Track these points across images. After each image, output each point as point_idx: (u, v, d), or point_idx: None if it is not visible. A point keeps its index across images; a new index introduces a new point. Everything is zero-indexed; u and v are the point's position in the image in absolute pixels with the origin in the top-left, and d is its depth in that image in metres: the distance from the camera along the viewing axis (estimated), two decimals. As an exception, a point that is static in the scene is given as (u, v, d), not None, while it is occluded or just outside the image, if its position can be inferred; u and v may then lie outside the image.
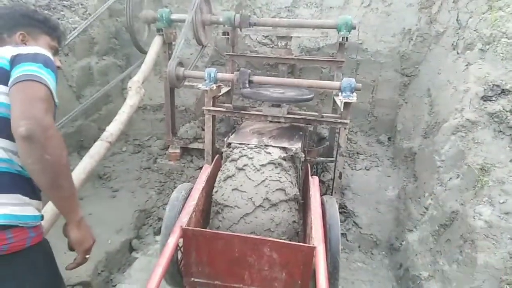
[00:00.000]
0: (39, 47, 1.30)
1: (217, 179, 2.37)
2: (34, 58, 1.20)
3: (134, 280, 2.69)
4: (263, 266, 1.87)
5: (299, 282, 1.87)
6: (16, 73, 1.15)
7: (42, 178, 1.15)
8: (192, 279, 1.98)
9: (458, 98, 2.91)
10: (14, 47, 1.26)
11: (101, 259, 2.67)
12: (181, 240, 1.91)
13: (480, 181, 2.37)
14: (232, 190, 2.21)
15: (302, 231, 2.37)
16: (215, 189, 2.32)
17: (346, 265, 3.00)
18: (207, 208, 2.35)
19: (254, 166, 2.29)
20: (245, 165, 2.30)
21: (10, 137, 1.14)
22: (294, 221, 2.24)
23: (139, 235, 3.23)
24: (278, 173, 2.28)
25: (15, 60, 1.19)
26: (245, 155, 2.37)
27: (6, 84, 1.18)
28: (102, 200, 3.37)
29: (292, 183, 2.33)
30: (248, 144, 2.53)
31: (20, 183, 1.22)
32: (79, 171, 2.34)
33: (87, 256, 1.37)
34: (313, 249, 1.79)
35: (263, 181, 2.21)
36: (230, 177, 2.28)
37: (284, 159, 2.39)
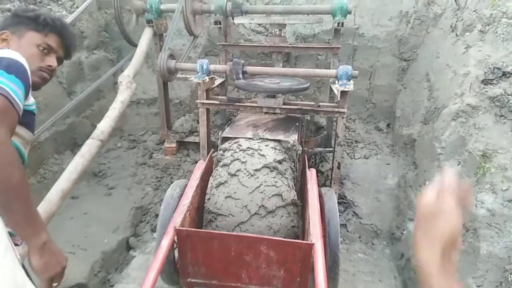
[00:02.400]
0: (10, 51, 1.19)
1: (209, 185, 2.26)
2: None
3: (132, 279, 2.65)
4: (260, 264, 1.83)
5: (298, 279, 1.83)
6: None
7: None
8: (189, 279, 1.94)
9: (458, 82, 2.83)
10: None
11: (97, 259, 2.63)
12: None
13: (482, 168, 2.31)
14: (225, 197, 2.10)
15: (301, 225, 2.31)
16: (207, 196, 2.21)
17: (346, 256, 2.96)
18: (203, 206, 2.30)
19: (247, 171, 2.16)
20: (238, 170, 2.17)
21: None
22: (293, 226, 2.14)
23: (136, 232, 3.19)
24: (273, 177, 2.16)
25: None
26: (237, 159, 2.23)
27: None
28: (97, 198, 3.32)
29: (289, 186, 2.21)
30: (243, 138, 2.43)
31: None
32: (70, 171, 2.27)
33: (54, 284, 1.16)
34: (311, 245, 1.74)
35: (258, 187, 2.10)
36: (222, 183, 2.16)
37: (279, 162, 2.25)
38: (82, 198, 3.24)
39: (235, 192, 2.10)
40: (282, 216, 2.08)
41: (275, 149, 2.35)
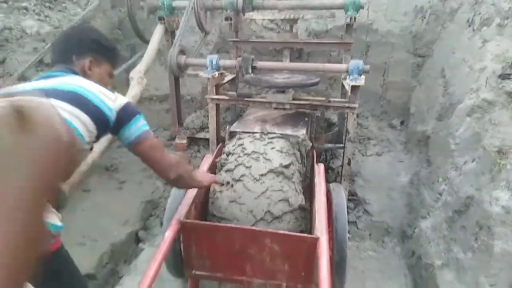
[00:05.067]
0: (120, 96, 1.38)
1: (211, 189, 2.21)
2: (134, 110, 1.39)
3: (140, 272, 2.66)
4: (264, 258, 1.80)
5: (303, 273, 1.80)
6: (136, 129, 1.38)
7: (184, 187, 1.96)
8: (193, 271, 1.94)
9: (473, 78, 2.74)
10: (105, 91, 1.32)
11: (106, 250, 2.65)
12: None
13: (497, 165, 2.23)
14: (230, 202, 2.05)
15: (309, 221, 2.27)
16: (210, 200, 2.17)
17: (356, 254, 2.90)
18: (208, 200, 2.29)
19: (252, 176, 2.10)
20: (242, 176, 2.12)
21: None
22: (301, 231, 2.09)
23: (146, 226, 3.21)
24: (280, 182, 2.09)
25: (126, 112, 1.35)
26: (241, 164, 2.17)
27: (84, 111, 1.23)
28: (109, 192, 3.36)
29: (296, 190, 2.13)
30: (248, 139, 2.37)
31: None
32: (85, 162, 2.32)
33: (218, 188, 2.11)
34: (316, 239, 1.71)
35: (264, 192, 2.04)
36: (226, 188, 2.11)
37: (285, 166, 2.16)
38: (93, 191, 3.28)
39: (240, 197, 2.05)
40: (289, 222, 2.03)
41: (281, 152, 2.26)
